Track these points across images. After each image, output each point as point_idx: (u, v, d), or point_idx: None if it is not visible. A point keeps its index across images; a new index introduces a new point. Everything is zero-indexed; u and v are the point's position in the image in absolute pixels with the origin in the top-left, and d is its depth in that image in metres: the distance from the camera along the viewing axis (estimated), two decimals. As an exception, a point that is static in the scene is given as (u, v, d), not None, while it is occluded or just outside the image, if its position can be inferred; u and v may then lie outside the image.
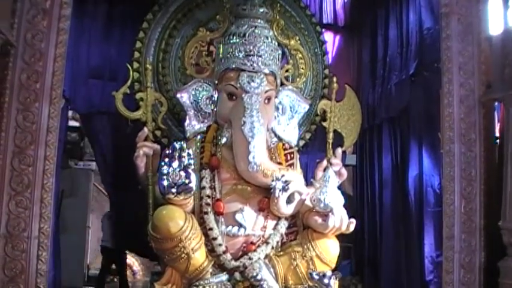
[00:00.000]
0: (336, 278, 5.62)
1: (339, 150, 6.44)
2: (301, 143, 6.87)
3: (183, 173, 5.24)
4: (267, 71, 5.97)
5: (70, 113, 7.54)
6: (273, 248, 5.70)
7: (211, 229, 5.55)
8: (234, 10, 6.22)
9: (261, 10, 6.14)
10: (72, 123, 7.83)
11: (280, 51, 6.25)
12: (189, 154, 5.33)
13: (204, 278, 5.43)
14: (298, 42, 6.67)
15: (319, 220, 5.61)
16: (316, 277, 5.45)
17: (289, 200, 5.70)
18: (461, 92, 6.15)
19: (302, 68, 6.68)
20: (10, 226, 4.81)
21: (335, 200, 5.58)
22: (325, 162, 6.28)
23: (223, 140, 5.86)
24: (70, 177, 8.09)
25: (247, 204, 5.72)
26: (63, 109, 5.46)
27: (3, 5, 4.73)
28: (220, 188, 5.77)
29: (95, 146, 7.56)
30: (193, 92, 6.13)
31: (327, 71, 7.22)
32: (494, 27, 6.44)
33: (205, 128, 6.08)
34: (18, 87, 4.93)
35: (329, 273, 5.54)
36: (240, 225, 5.64)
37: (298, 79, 6.66)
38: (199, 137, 6.04)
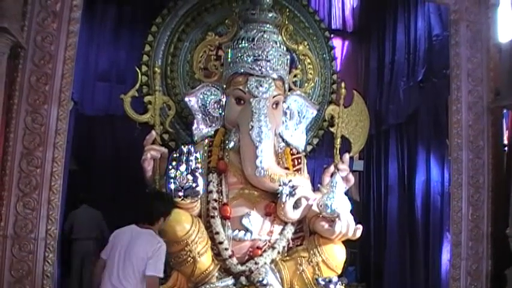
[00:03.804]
0: (342, 284, 5.61)
1: (346, 156, 6.44)
2: (309, 148, 6.89)
3: (190, 177, 5.26)
4: (275, 75, 5.98)
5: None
6: (279, 252, 5.70)
7: (217, 233, 5.56)
8: (243, 15, 6.24)
9: (270, 15, 6.16)
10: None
11: (288, 56, 6.26)
12: (196, 158, 5.34)
13: (210, 282, 5.43)
14: (307, 47, 6.68)
15: (326, 225, 5.61)
16: (322, 283, 5.44)
17: (296, 205, 5.70)
18: (469, 99, 6.14)
19: (310, 73, 6.69)
20: (17, 227, 4.81)
21: (342, 205, 5.58)
22: (332, 168, 6.28)
23: (231, 144, 5.87)
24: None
25: (254, 208, 5.73)
26: (71, 111, 5.47)
27: (14, 7, 4.75)
28: (227, 192, 5.78)
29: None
30: (201, 96, 6.14)
31: (335, 77, 7.24)
32: (504, 34, 6.43)
33: (213, 132, 6.09)
34: (28, 89, 4.94)
35: (335, 279, 5.53)
36: (247, 230, 5.64)
37: (306, 84, 6.67)
38: (206, 140, 6.05)
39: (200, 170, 5.36)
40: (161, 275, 4.23)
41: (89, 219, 7.53)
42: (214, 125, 6.13)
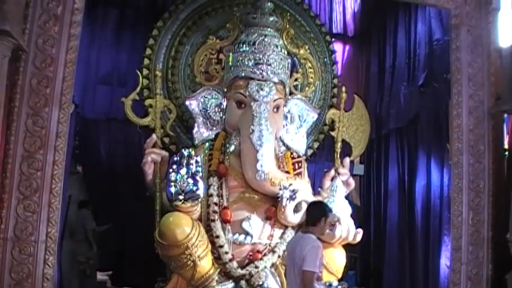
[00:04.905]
0: (342, 288, 5.63)
1: (347, 160, 6.44)
2: (309, 152, 6.88)
3: (190, 180, 5.26)
4: (276, 79, 5.99)
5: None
6: (279, 256, 5.69)
7: (218, 237, 5.56)
8: (244, 18, 6.25)
9: (271, 19, 6.17)
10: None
11: (289, 60, 6.27)
12: (197, 161, 5.35)
13: (210, 285, 5.43)
14: (308, 51, 6.69)
15: (326, 230, 5.61)
16: (323, 287, 5.44)
17: (296, 209, 5.70)
18: (470, 104, 6.14)
19: (311, 77, 6.69)
20: (18, 230, 4.81)
21: (342, 209, 5.59)
22: (332, 172, 6.28)
23: (232, 148, 5.88)
24: (78, 182, 8.11)
25: (254, 212, 5.73)
26: (72, 114, 5.47)
27: (16, 10, 4.75)
28: (228, 196, 5.78)
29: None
30: (202, 100, 6.15)
31: (336, 81, 7.24)
32: (504, 39, 6.43)
33: (213, 136, 6.10)
34: (29, 92, 4.94)
35: (335, 283, 5.54)
36: (247, 234, 5.64)
37: (307, 88, 6.67)
38: (207, 144, 6.06)
39: (201, 174, 5.36)
40: (316, 270, 4.35)
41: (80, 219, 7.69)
42: (215, 128, 6.14)
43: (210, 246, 5.47)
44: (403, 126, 7.79)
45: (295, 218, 5.71)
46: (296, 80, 6.60)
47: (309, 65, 6.67)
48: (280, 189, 5.61)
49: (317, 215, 4.63)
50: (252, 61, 5.94)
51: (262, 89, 5.86)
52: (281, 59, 6.06)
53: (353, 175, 6.71)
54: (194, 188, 5.27)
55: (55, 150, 4.97)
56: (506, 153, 6.40)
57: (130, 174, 6.53)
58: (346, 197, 5.95)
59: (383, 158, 8.27)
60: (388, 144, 8.16)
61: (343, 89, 6.57)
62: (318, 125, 6.83)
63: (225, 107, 6.09)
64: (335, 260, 5.62)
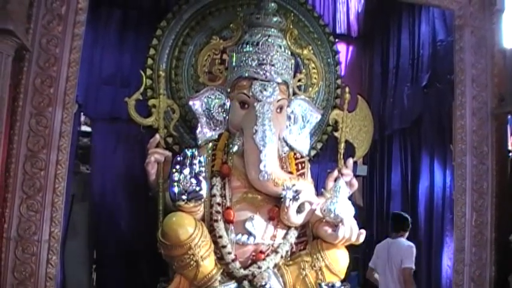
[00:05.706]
0: (345, 289, 5.64)
1: (350, 161, 6.43)
2: (313, 152, 6.88)
3: (194, 180, 5.25)
4: (279, 80, 5.98)
5: (82, 118, 7.55)
6: (282, 257, 5.68)
7: (220, 237, 5.55)
8: (248, 19, 6.25)
9: (275, 19, 6.16)
10: (84, 128, 7.82)
11: (293, 61, 6.26)
12: (200, 161, 5.34)
13: (213, 286, 5.41)
14: (311, 51, 6.66)
15: (329, 230, 5.60)
16: None
17: (299, 210, 5.69)
18: (473, 105, 6.13)
19: (315, 78, 6.68)
20: (21, 229, 4.82)
21: (345, 210, 5.57)
22: (336, 173, 6.26)
23: (235, 148, 5.87)
24: (81, 182, 8.12)
25: (257, 212, 5.72)
26: (75, 114, 5.48)
27: (19, 10, 4.76)
28: (231, 196, 5.77)
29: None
30: (205, 100, 6.15)
31: (339, 81, 7.24)
32: (508, 40, 6.43)
33: (216, 136, 6.10)
34: (32, 91, 4.95)
35: (338, 284, 5.52)
36: (250, 234, 5.63)
37: (310, 89, 6.66)
38: (210, 144, 6.06)
39: (204, 174, 5.36)
40: (413, 266, 5.07)
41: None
42: (218, 128, 6.14)
43: (213, 246, 5.46)
44: (406, 127, 7.79)
45: (298, 219, 5.70)
46: (299, 80, 6.59)
47: (313, 65, 6.65)
48: (284, 189, 5.59)
49: (407, 222, 5.40)
50: (256, 61, 5.93)
51: (265, 90, 5.85)
52: (285, 60, 6.05)
53: (356, 176, 6.70)
54: (197, 188, 5.26)
55: (58, 149, 4.98)
56: (510, 154, 6.40)
57: (133, 174, 6.54)
58: (349, 198, 5.92)
59: (386, 159, 8.28)
60: (391, 145, 8.16)
61: (347, 89, 6.55)
62: (321, 125, 6.83)
63: (228, 107, 6.09)
64: (338, 260, 5.59)
